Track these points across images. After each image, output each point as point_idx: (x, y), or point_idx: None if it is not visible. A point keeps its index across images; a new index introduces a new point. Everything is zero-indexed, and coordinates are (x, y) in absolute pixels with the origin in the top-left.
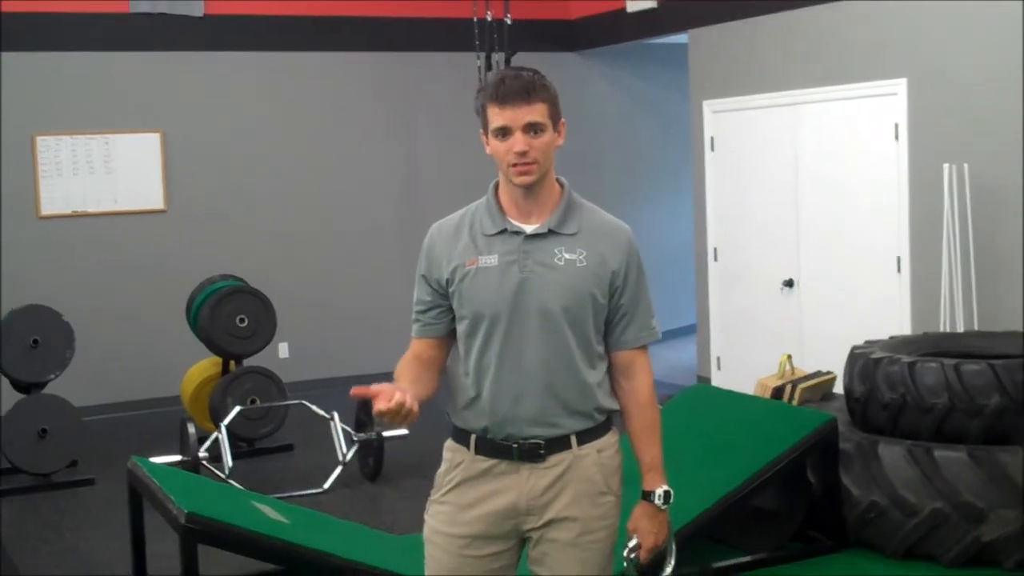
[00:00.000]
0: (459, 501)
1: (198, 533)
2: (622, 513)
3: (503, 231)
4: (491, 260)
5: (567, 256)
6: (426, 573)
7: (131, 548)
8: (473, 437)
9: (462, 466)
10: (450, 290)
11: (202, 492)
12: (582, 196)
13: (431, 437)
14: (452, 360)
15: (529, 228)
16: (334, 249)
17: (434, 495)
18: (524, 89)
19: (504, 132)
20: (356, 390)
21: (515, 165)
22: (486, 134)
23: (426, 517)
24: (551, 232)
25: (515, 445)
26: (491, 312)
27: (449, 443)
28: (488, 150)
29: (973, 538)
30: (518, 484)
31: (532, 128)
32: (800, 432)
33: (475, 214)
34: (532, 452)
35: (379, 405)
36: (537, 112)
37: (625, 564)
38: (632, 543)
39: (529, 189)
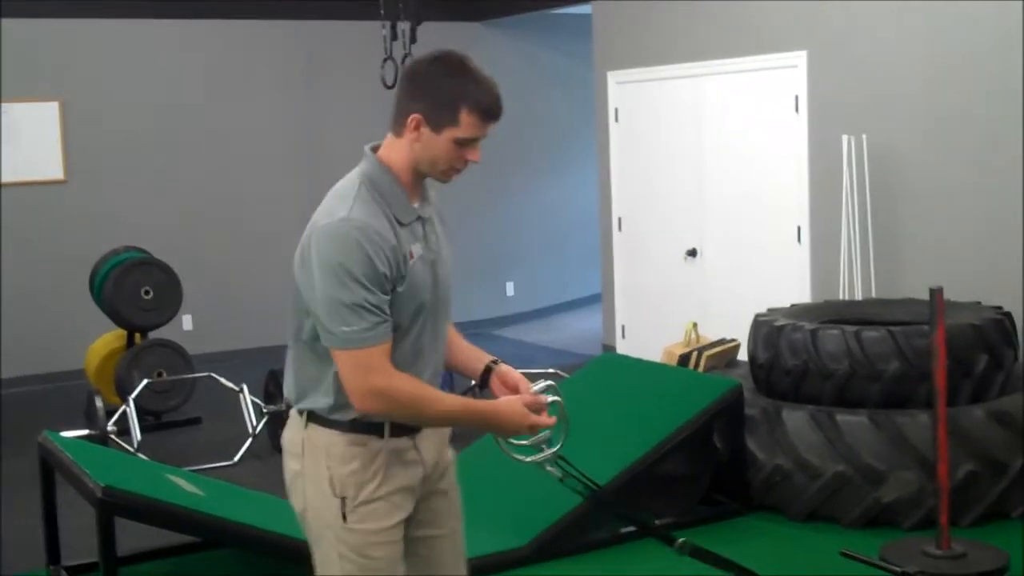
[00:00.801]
0: (391, 488)
1: (115, 506)
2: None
3: (418, 218)
4: (417, 248)
5: (440, 233)
6: None
7: (43, 523)
8: (388, 424)
9: (381, 455)
10: (399, 288)
11: (116, 465)
12: (486, 165)
13: None
14: None
15: (421, 211)
16: (237, 220)
17: (358, 498)
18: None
19: (470, 142)
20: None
21: (457, 171)
22: (434, 128)
23: (350, 527)
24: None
25: None
26: (428, 301)
27: (348, 438)
28: (419, 139)
29: (874, 500)
30: (421, 453)
31: None
32: (706, 398)
33: (384, 200)
34: None
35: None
36: None
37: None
38: (541, 386)
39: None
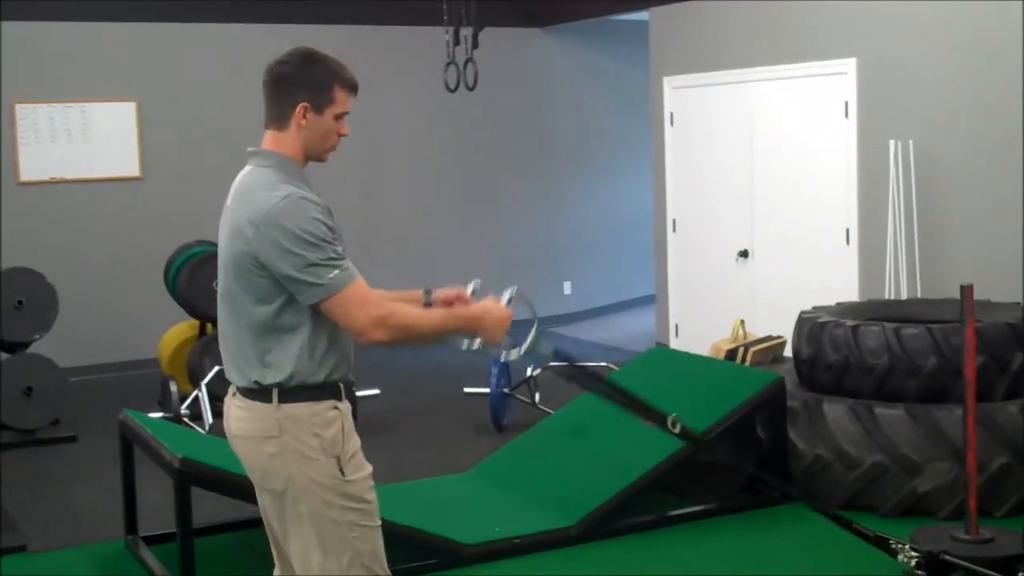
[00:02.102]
0: (358, 442)
1: (192, 476)
2: None
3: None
4: None
5: None
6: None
7: (122, 496)
8: (342, 386)
9: (347, 415)
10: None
11: (192, 441)
12: (545, 167)
13: (401, 395)
14: (297, 320)
15: None
16: None
17: (348, 452)
18: None
19: (342, 116)
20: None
21: (335, 147)
22: (318, 111)
23: (349, 478)
24: None
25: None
26: None
27: (326, 404)
28: (306, 125)
29: (910, 489)
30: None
31: None
32: (749, 390)
33: (306, 186)
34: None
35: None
36: None
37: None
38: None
39: None
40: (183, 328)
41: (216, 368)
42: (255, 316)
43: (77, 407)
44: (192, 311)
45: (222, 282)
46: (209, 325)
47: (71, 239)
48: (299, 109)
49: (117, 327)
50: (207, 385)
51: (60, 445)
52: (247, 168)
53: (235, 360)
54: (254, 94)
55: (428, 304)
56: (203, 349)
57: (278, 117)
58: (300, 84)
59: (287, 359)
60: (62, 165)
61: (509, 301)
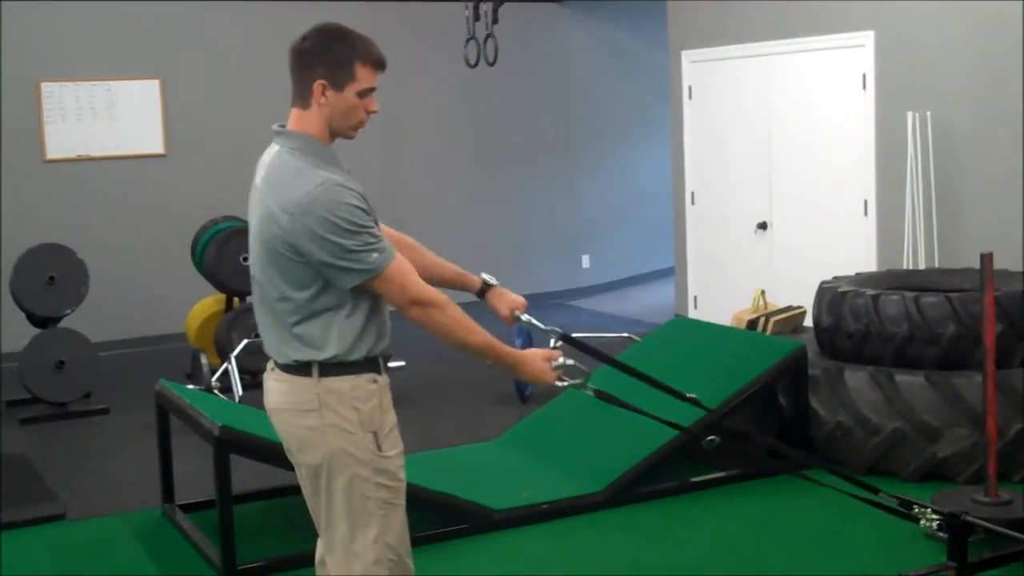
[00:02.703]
0: (395, 418)
1: (231, 444)
2: None
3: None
4: None
5: None
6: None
7: (159, 465)
8: (381, 360)
9: (386, 389)
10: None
11: (229, 410)
12: (564, 142)
13: (425, 367)
14: (334, 301)
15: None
16: None
17: (385, 427)
18: None
19: (368, 92)
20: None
21: (362, 124)
22: (338, 88)
23: (385, 454)
24: None
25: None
26: None
27: (366, 378)
28: (326, 102)
29: (930, 454)
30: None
31: None
32: (771, 358)
33: (325, 162)
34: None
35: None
36: None
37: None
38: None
39: None
40: (210, 302)
41: (244, 341)
42: (291, 300)
43: (108, 381)
44: (220, 285)
45: (255, 266)
46: (236, 299)
47: (97, 216)
48: (316, 87)
49: (144, 302)
50: (236, 358)
51: (92, 417)
52: (274, 149)
53: (273, 340)
54: (277, 71)
55: (481, 294)
56: (231, 323)
57: (301, 95)
58: (319, 61)
59: (325, 340)
60: (87, 143)
61: (560, 365)
